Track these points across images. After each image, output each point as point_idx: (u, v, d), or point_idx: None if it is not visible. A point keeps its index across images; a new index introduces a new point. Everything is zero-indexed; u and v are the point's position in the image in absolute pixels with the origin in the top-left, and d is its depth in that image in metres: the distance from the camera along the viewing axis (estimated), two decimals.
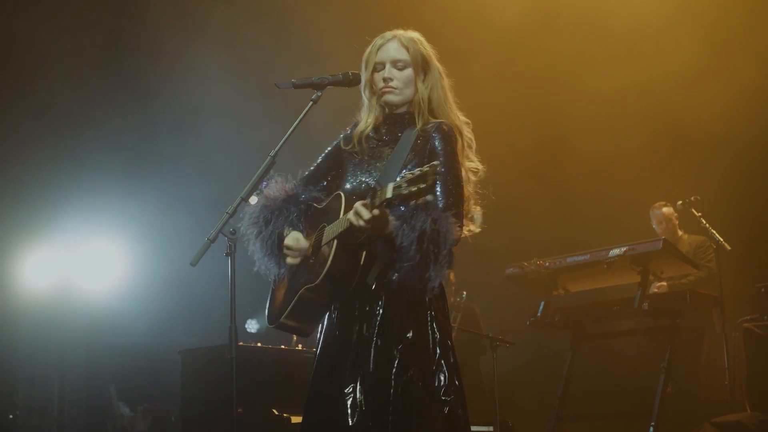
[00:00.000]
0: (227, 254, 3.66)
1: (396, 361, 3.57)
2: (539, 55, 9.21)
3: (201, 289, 9.17)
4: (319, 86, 3.87)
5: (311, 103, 3.84)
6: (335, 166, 3.99)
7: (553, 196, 9.49)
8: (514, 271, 7.74)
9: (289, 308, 3.77)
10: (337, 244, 3.62)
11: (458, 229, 3.55)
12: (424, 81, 3.86)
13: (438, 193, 3.63)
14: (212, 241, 3.61)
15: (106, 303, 9.83)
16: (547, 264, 7.50)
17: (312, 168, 4.03)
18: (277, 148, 3.74)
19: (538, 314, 7.60)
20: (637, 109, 9.05)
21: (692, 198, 8.00)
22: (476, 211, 3.89)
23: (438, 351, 3.65)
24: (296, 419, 6.14)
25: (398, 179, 3.35)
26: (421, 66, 3.86)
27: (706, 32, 8.68)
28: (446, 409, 3.58)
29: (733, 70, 8.66)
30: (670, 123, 8.99)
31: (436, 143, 3.73)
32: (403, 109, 3.89)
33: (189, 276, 8.31)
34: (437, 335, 3.67)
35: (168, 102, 9.19)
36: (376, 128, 3.92)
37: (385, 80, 3.84)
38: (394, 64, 3.86)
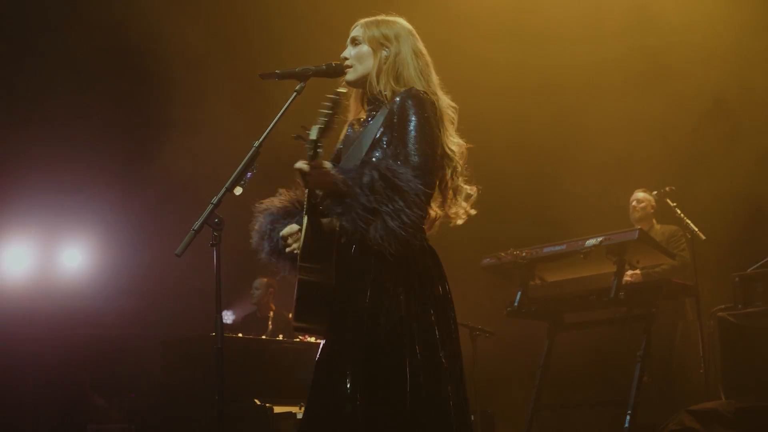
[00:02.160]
0: (212, 245, 3.64)
1: (382, 341, 3.51)
2: (525, 43, 9.23)
3: (177, 279, 9.12)
4: (302, 77, 3.86)
5: (295, 93, 3.82)
6: None
7: (529, 185, 9.51)
8: (491, 261, 7.76)
9: (294, 306, 3.70)
10: (307, 220, 3.62)
11: (419, 186, 3.47)
12: (386, 55, 3.80)
13: (400, 152, 3.58)
14: (197, 231, 3.59)
15: (82, 293, 9.77)
16: (524, 254, 7.52)
17: None
18: (261, 139, 3.72)
19: (515, 304, 7.63)
20: (614, 96, 9.08)
21: (667, 188, 8.06)
22: (472, 190, 3.85)
23: (420, 327, 3.56)
24: (279, 409, 6.15)
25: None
26: (379, 41, 3.81)
27: None
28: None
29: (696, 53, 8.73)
30: (645, 111, 9.05)
31: (407, 103, 3.65)
32: (378, 89, 3.81)
33: (166, 266, 8.31)
34: (418, 307, 3.58)
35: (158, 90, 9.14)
36: (355, 122, 3.93)
37: (342, 60, 3.86)
38: (351, 41, 3.87)
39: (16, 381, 9.40)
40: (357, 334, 3.54)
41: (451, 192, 3.80)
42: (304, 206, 3.61)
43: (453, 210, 3.82)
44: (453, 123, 3.85)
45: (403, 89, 3.73)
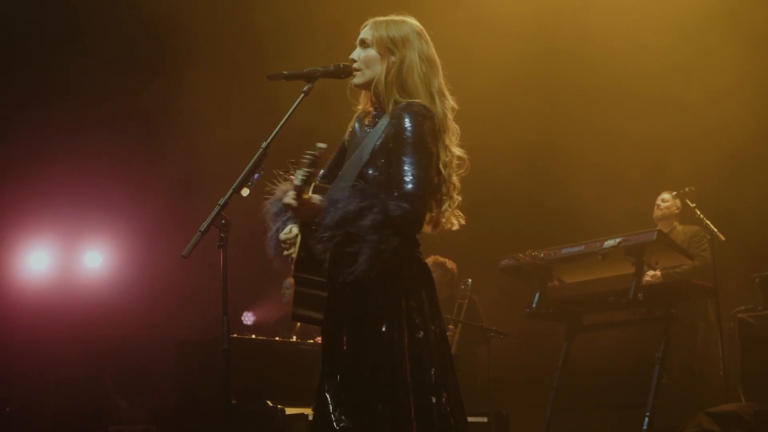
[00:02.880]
0: (219, 246, 3.65)
1: (363, 358, 3.54)
2: (537, 46, 9.20)
3: (196, 281, 9.16)
4: (310, 78, 3.85)
5: (303, 94, 3.82)
6: (341, 164, 3.92)
7: (548, 186, 9.48)
8: (509, 262, 7.74)
9: (293, 300, 3.80)
10: (300, 236, 3.69)
11: (406, 212, 3.48)
12: (393, 61, 3.76)
13: (396, 175, 3.57)
14: (204, 232, 3.60)
15: (103, 295, 9.83)
16: (542, 255, 7.50)
17: (323, 171, 3.99)
18: (269, 140, 3.71)
19: (533, 305, 7.61)
20: (633, 99, 9.04)
21: (686, 189, 8.00)
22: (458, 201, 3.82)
23: (406, 348, 3.56)
24: (291, 410, 6.14)
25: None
26: (387, 45, 3.78)
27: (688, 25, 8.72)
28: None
29: (728, 59, 8.65)
30: (665, 112, 8.99)
31: (404, 121, 3.63)
32: (383, 95, 3.78)
33: (185, 268, 8.33)
34: (406, 331, 3.57)
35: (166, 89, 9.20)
36: (364, 118, 3.91)
37: (351, 62, 3.84)
38: (361, 44, 3.84)
39: (38, 382, 9.46)
40: (352, 353, 3.58)
41: (444, 201, 3.77)
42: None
43: (445, 218, 3.79)
44: (455, 131, 3.83)
45: (405, 101, 3.71)
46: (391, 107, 3.73)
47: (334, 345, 3.65)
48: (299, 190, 3.44)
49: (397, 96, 3.74)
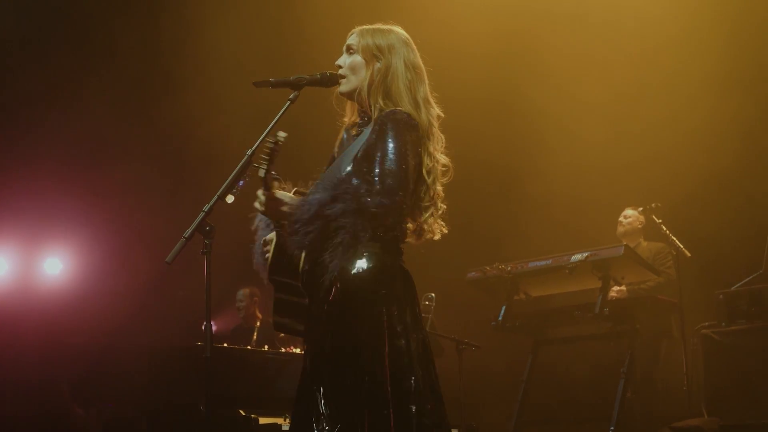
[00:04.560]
0: (203, 253, 3.61)
1: (344, 368, 3.51)
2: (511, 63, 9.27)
3: (160, 288, 9.08)
4: (296, 85, 3.84)
5: (288, 102, 3.81)
6: None
7: (515, 199, 9.52)
8: (476, 275, 7.77)
9: (273, 307, 3.79)
10: (275, 239, 3.71)
11: (382, 204, 3.46)
12: (378, 68, 3.77)
13: (375, 176, 3.55)
14: (188, 239, 3.56)
15: (63, 302, 9.70)
16: (509, 268, 7.54)
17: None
18: (254, 147, 3.68)
19: (500, 318, 7.64)
20: (602, 114, 9.12)
21: (653, 204, 8.09)
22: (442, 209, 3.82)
23: (383, 354, 3.52)
24: (264, 420, 6.11)
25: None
26: (373, 52, 3.79)
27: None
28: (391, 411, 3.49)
29: (694, 72, 8.77)
30: (633, 126, 9.09)
31: (386, 128, 3.62)
32: (368, 102, 3.80)
33: (150, 274, 8.27)
34: (386, 339, 3.54)
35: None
36: (351, 128, 3.91)
37: (336, 68, 3.85)
38: (347, 50, 3.85)
39: None
40: (333, 362, 3.54)
41: (428, 209, 3.76)
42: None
43: (428, 226, 3.77)
44: (440, 139, 3.82)
45: (389, 108, 3.70)
46: (375, 114, 3.73)
47: (317, 354, 3.62)
48: (266, 184, 3.47)
49: (381, 103, 3.74)
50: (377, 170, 3.55)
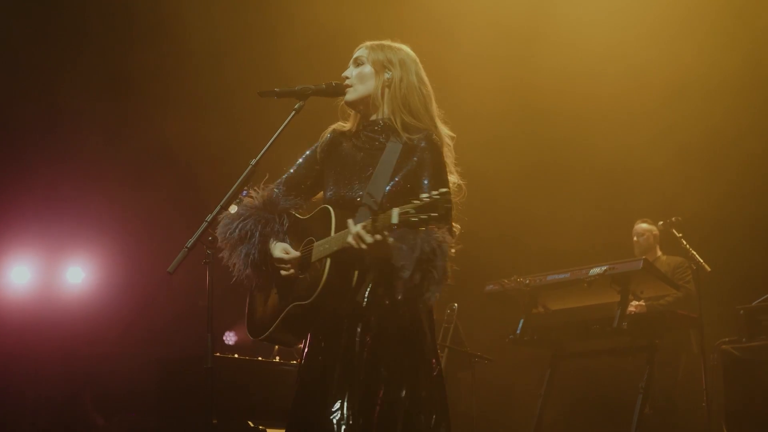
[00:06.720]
0: (205, 263, 3.62)
1: (384, 380, 3.52)
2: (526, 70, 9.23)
3: (180, 299, 9.10)
4: (301, 96, 3.85)
5: (293, 112, 3.82)
6: (312, 174, 3.94)
7: (535, 212, 9.48)
8: (494, 287, 7.72)
9: (276, 323, 3.73)
10: (330, 261, 3.57)
11: (452, 244, 3.53)
12: (388, 78, 3.79)
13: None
14: (190, 249, 3.57)
15: (85, 311, 9.75)
16: (528, 281, 7.48)
17: (291, 171, 3.98)
18: (258, 157, 3.71)
19: (518, 332, 7.58)
20: (624, 125, 9.05)
21: (673, 218, 8.00)
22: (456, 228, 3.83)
23: (426, 369, 3.62)
24: (272, 431, 6.10)
25: (406, 206, 3.27)
26: (383, 63, 3.81)
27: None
28: (431, 427, 3.54)
29: (722, 89, 8.69)
30: (655, 141, 9.02)
31: (426, 155, 3.68)
32: (376, 116, 3.82)
33: (168, 286, 8.29)
34: (426, 354, 3.64)
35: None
36: (354, 136, 3.90)
37: (343, 80, 3.85)
38: (355, 62, 3.87)
39: (16, 398, 9.36)
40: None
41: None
42: (331, 248, 3.57)
43: None
44: (452, 158, 3.86)
45: (421, 130, 3.74)
46: (399, 124, 3.75)
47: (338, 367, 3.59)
48: (375, 217, 3.37)
49: (405, 116, 3.76)
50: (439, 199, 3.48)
